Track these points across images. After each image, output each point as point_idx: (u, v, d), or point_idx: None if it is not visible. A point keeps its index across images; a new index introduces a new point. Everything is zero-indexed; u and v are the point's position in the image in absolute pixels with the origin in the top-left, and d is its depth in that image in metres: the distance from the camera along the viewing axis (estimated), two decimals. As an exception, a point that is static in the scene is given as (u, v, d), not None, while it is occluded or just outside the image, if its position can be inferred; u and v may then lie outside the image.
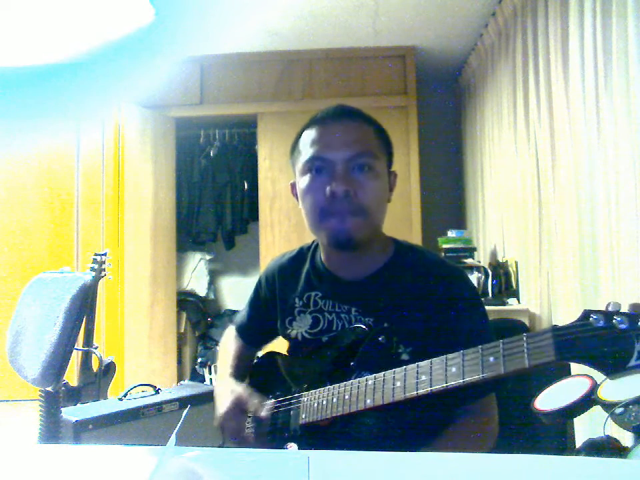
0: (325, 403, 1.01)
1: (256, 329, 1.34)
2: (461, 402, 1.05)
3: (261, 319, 1.30)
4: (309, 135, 1.10)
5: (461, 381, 0.82)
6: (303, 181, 1.09)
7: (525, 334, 0.77)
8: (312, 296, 1.17)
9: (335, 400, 0.99)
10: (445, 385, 0.84)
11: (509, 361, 0.77)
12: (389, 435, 1.05)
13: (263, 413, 1.07)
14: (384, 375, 0.93)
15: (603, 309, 0.71)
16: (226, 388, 1.18)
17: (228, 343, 1.37)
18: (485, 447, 1.04)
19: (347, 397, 0.97)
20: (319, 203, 1.06)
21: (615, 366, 0.68)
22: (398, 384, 0.90)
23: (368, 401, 0.93)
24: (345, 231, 1.05)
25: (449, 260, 1.43)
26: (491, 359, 0.79)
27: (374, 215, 1.07)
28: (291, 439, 1.06)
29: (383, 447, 0.79)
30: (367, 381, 0.95)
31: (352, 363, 1.04)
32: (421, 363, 0.88)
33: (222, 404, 1.13)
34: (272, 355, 1.27)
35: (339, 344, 1.08)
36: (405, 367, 0.90)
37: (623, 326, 0.68)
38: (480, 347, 0.82)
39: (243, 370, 1.30)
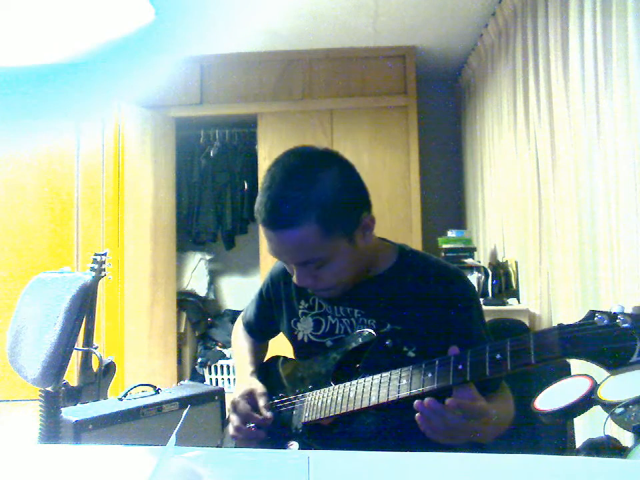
0: (329, 401, 1.02)
1: (263, 327, 1.35)
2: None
3: (268, 319, 1.30)
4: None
5: (468, 378, 0.83)
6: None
7: (532, 332, 0.79)
8: (316, 298, 1.17)
9: (339, 398, 1.00)
10: (450, 382, 0.85)
11: (516, 358, 0.79)
12: (391, 434, 1.05)
13: (269, 413, 1.08)
14: (390, 372, 0.94)
15: (608, 309, 0.75)
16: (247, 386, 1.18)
17: (240, 341, 1.38)
18: (509, 420, 1.03)
19: (351, 394, 0.98)
20: (290, 272, 1.09)
21: (617, 362, 0.72)
22: (404, 381, 0.91)
23: (373, 398, 0.93)
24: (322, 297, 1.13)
25: (449, 261, 1.44)
26: (498, 356, 0.80)
27: (346, 279, 1.07)
28: (293, 437, 1.06)
29: (384, 447, 0.80)
30: (372, 379, 0.96)
31: (358, 366, 1.05)
32: (427, 362, 0.89)
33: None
34: (277, 358, 1.28)
35: (345, 347, 1.09)
36: (410, 365, 0.91)
37: (625, 325, 0.72)
38: (487, 345, 0.83)
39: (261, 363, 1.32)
